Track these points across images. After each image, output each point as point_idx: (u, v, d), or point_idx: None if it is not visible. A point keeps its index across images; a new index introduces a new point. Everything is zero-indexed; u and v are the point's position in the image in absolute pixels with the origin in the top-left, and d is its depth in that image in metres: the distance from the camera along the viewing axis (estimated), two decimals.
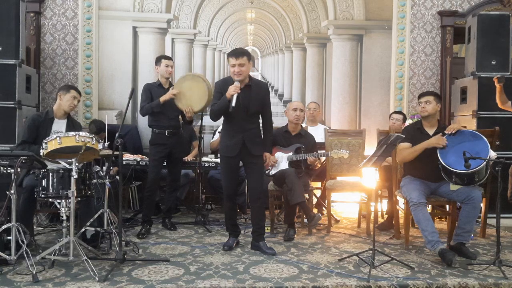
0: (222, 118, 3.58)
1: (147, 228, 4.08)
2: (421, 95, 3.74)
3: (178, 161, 4.32)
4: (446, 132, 3.51)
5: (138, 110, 4.33)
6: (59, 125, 3.68)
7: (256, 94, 3.49)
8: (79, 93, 3.78)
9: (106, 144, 3.58)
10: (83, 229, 3.31)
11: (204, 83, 4.07)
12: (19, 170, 3.04)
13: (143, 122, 5.37)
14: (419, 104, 3.72)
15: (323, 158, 4.54)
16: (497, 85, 4.08)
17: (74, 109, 3.84)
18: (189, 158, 4.80)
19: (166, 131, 4.14)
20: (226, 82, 3.52)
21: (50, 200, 3.33)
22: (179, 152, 4.31)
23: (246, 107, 3.46)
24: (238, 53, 3.41)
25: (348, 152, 4.15)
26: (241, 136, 3.49)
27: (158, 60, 4.24)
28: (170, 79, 4.30)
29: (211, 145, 5.28)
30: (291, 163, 4.13)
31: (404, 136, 3.38)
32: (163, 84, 4.20)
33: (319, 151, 4.20)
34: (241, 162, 3.63)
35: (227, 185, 3.61)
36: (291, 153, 4.16)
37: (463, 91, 5.21)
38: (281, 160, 4.16)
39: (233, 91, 3.34)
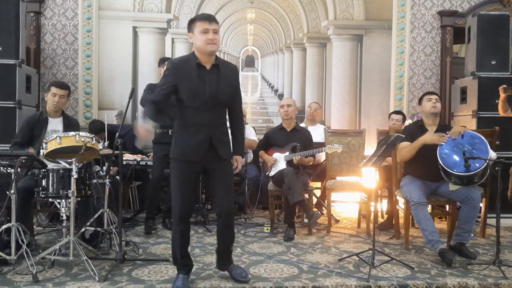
0: None
1: (153, 223, 4.12)
2: (427, 93, 3.71)
3: None
4: (448, 135, 3.45)
5: (139, 101, 4.30)
6: (54, 124, 3.65)
7: (225, 77, 2.70)
8: (63, 88, 3.61)
9: (106, 143, 3.57)
10: (83, 229, 3.31)
11: None
12: (19, 170, 3.04)
13: None
14: (428, 100, 3.61)
15: (320, 155, 4.57)
16: (502, 95, 4.00)
17: (63, 107, 3.69)
18: None
19: (169, 130, 4.16)
20: (186, 63, 2.68)
21: (50, 200, 3.32)
22: None
23: (214, 95, 2.65)
24: (211, 17, 2.63)
25: (341, 146, 4.19)
26: (208, 133, 2.67)
27: (162, 62, 4.24)
28: None
29: None
30: (289, 162, 4.15)
31: (404, 136, 3.37)
32: None
33: (314, 149, 4.22)
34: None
35: (183, 203, 2.70)
36: (287, 153, 4.19)
37: (463, 91, 5.20)
38: (279, 160, 4.19)
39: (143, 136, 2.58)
